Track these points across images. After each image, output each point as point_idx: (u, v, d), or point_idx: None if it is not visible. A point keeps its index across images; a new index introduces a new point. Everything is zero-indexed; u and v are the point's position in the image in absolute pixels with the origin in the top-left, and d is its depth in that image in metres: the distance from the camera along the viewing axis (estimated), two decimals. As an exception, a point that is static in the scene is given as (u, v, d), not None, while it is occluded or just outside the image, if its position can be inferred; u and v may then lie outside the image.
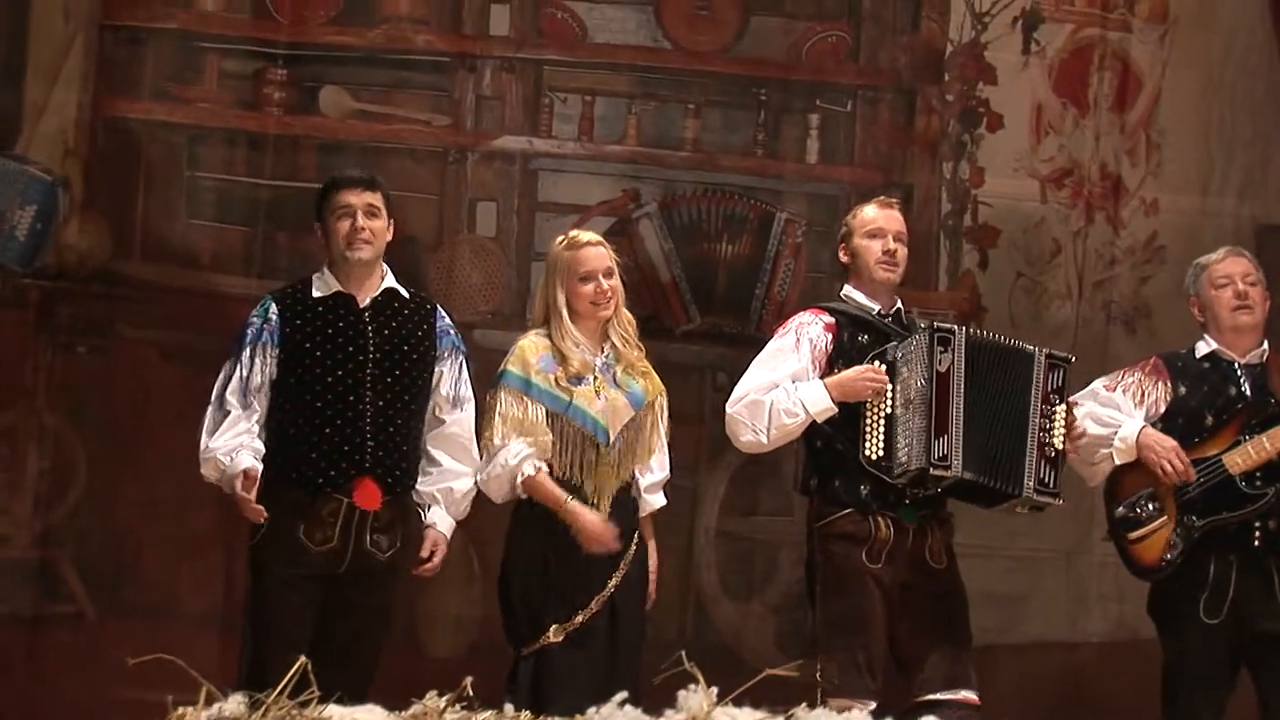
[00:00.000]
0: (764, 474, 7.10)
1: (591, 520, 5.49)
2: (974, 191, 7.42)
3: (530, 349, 5.61)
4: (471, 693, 3.89)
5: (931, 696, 5.42)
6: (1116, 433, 5.74)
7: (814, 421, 5.50)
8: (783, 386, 5.51)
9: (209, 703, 3.78)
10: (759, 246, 7.29)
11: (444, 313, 5.73)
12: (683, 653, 4.23)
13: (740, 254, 7.31)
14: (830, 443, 5.52)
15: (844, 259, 5.72)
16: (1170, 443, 5.68)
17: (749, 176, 7.36)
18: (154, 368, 6.95)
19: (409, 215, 6.56)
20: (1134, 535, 5.75)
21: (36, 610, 6.87)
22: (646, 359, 5.75)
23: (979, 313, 7.31)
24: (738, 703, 3.84)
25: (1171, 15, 7.50)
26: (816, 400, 5.48)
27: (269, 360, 5.52)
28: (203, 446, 5.48)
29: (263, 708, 3.74)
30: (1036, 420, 5.48)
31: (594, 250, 5.63)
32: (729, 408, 5.57)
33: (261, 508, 5.37)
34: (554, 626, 5.47)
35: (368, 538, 5.46)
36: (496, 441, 5.53)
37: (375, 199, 5.57)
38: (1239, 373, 5.76)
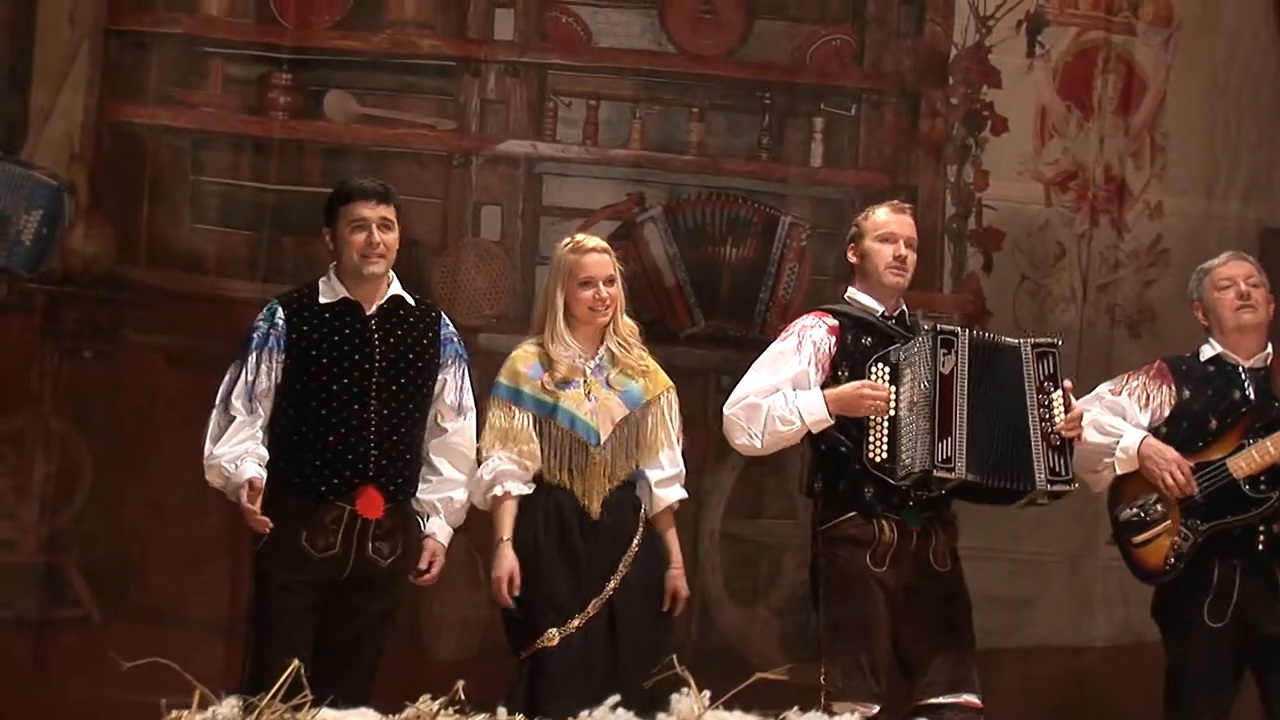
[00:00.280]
0: (769, 477, 7.11)
1: (499, 569, 5.52)
2: (978, 195, 7.42)
3: (521, 358, 5.66)
4: (464, 696, 3.89)
5: (934, 700, 5.43)
6: (1118, 443, 5.74)
7: (809, 431, 5.51)
8: (782, 392, 5.52)
9: (203, 706, 3.79)
10: (763, 250, 7.30)
11: (448, 320, 5.73)
12: (674, 656, 4.24)
13: (745, 257, 7.31)
14: (834, 445, 5.52)
15: (852, 259, 5.72)
16: (1172, 454, 5.68)
17: (753, 180, 7.36)
18: (160, 372, 6.97)
19: (414, 219, 6.57)
20: (1138, 539, 5.75)
21: (43, 614, 6.88)
22: (652, 360, 5.76)
23: (983, 315, 7.31)
24: (729, 706, 3.85)
25: (1176, 19, 7.50)
26: (813, 410, 5.49)
27: (275, 365, 5.52)
28: (207, 452, 5.48)
29: (256, 711, 3.74)
30: (1035, 411, 5.48)
31: (597, 257, 5.65)
32: (726, 409, 5.58)
33: (266, 519, 5.37)
34: (550, 630, 5.48)
35: (369, 545, 5.47)
36: (485, 452, 5.60)
37: (389, 212, 5.58)
38: (1243, 376, 5.76)
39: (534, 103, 7.28)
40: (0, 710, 6.52)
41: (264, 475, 5.40)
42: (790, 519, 6.95)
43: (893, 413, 5.46)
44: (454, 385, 5.63)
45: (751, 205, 7.34)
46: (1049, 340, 5.59)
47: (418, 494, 5.59)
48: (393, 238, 5.58)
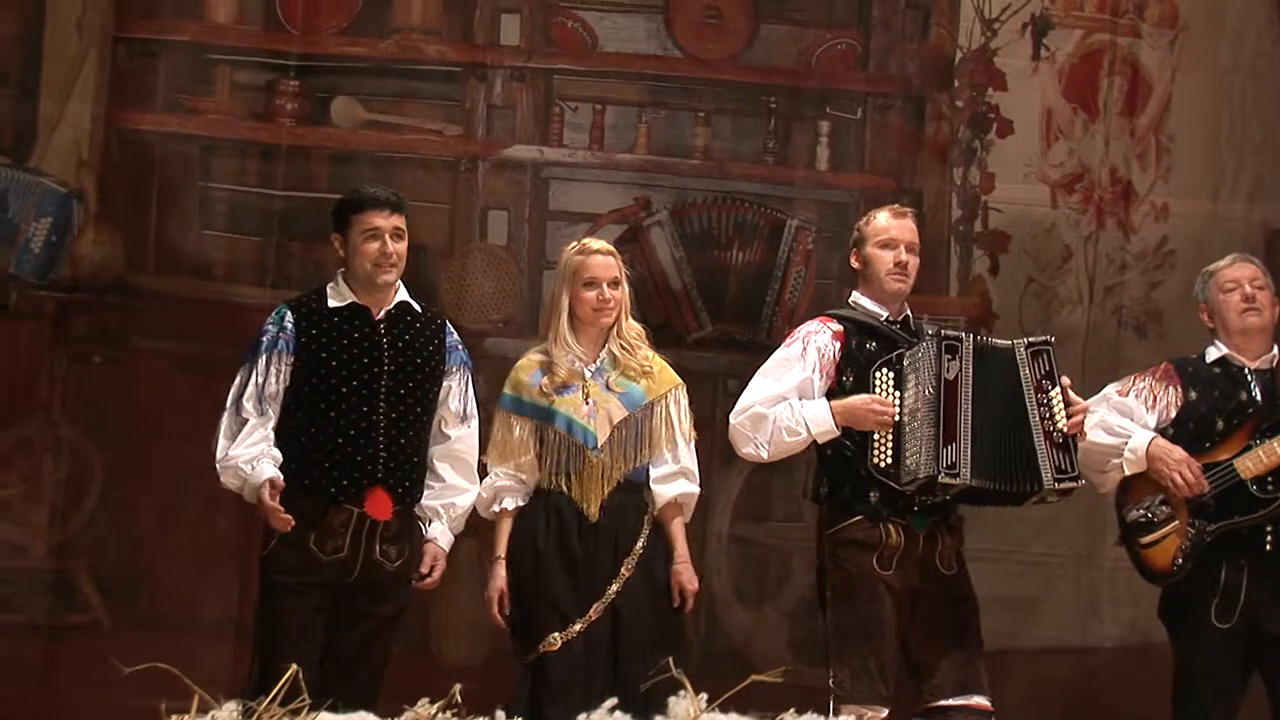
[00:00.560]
0: (776, 480, 7.12)
1: (490, 588, 5.59)
2: (984, 197, 7.43)
3: (523, 367, 5.69)
4: (460, 699, 3.90)
5: (943, 702, 5.42)
6: (1126, 443, 5.74)
7: (814, 441, 5.53)
8: (789, 402, 5.52)
9: (203, 711, 3.80)
10: (770, 253, 7.31)
11: (452, 329, 5.75)
12: (670, 659, 4.25)
13: (751, 261, 7.33)
14: (840, 450, 5.52)
15: (855, 265, 5.72)
16: (1180, 454, 5.69)
17: (760, 184, 7.38)
18: (169, 378, 6.99)
19: (421, 224, 6.58)
20: (1145, 540, 5.75)
21: (52, 620, 6.90)
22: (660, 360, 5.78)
23: (990, 318, 7.32)
24: (726, 708, 3.86)
25: (1181, 21, 7.51)
26: (820, 421, 5.49)
27: (284, 368, 5.53)
28: (221, 454, 5.49)
29: (254, 716, 3.75)
30: (1036, 411, 5.46)
31: (602, 259, 5.67)
32: (732, 418, 5.58)
33: (289, 517, 5.39)
34: (552, 635, 5.50)
35: (377, 547, 5.48)
36: (488, 465, 5.66)
37: (401, 221, 5.60)
38: (1249, 378, 5.77)
39: (540, 108, 7.30)
40: (10, 715, 6.54)
41: (281, 476, 5.42)
42: (797, 522, 6.95)
43: (897, 418, 5.46)
44: (458, 392, 5.65)
45: (758, 209, 7.36)
46: (1042, 339, 5.56)
47: (421, 500, 5.61)
48: (404, 247, 5.61)
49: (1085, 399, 5.73)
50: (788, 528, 7.14)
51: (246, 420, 5.48)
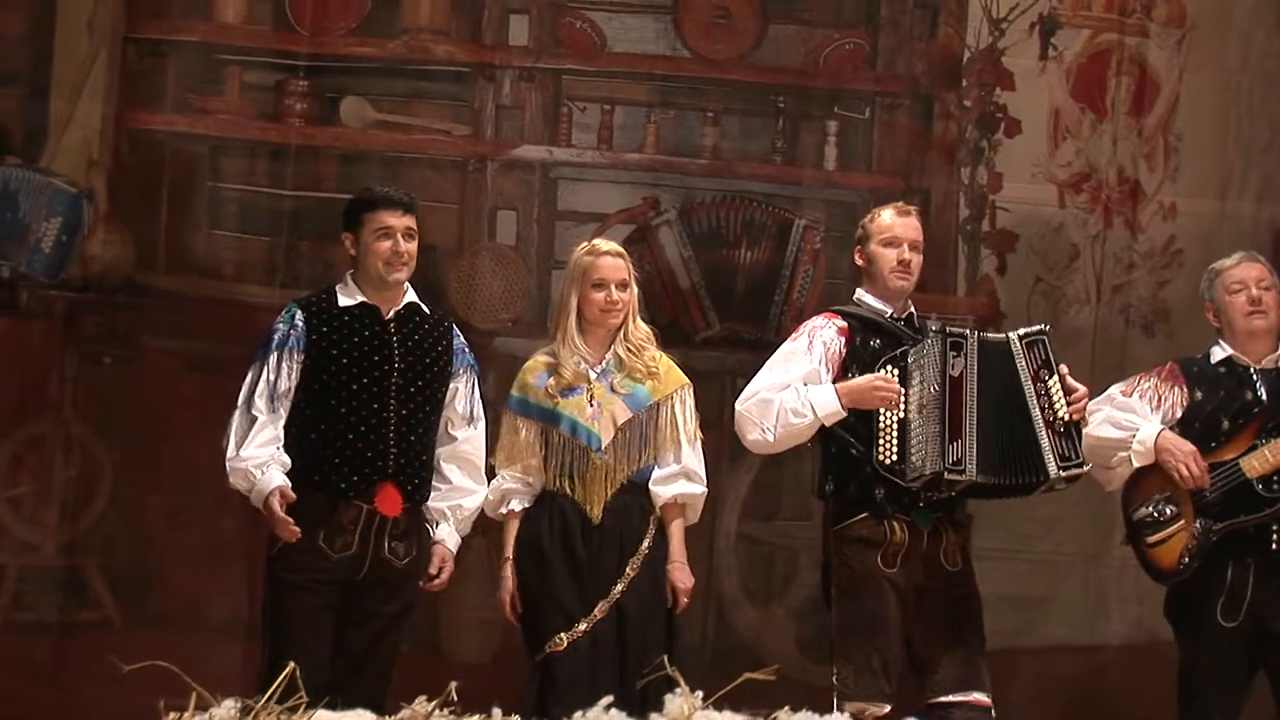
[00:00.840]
0: (785, 478, 7.13)
1: (501, 591, 5.63)
2: (992, 197, 7.44)
3: (530, 369, 5.72)
4: (457, 697, 3.92)
5: (944, 698, 5.44)
6: (1135, 435, 5.75)
7: (822, 425, 5.54)
8: (793, 387, 5.55)
9: (201, 708, 3.81)
10: (778, 253, 7.32)
11: (459, 332, 5.77)
12: (665, 658, 4.26)
13: (759, 260, 7.34)
14: (845, 447, 5.54)
15: (859, 262, 5.74)
16: (1189, 447, 5.69)
17: (768, 183, 7.39)
18: (178, 377, 7.00)
19: (430, 224, 6.59)
20: (1152, 539, 5.76)
21: (63, 617, 6.92)
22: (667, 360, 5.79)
23: (998, 318, 7.32)
24: (719, 705, 3.87)
25: (1189, 20, 7.51)
26: (825, 403, 5.51)
27: (295, 365, 5.55)
28: (230, 453, 5.51)
29: (252, 713, 3.77)
30: (1035, 401, 5.47)
31: (611, 260, 5.69)
32: (738, 405, 5.60)
33: (297, 528, 5.41)
34: (558, 635, 5.52)
35: (386, 544, 5.51)
36: (496, 467, 5.68)
37: (413, 222, 5.63)
38: (1255, 378, 5.77)
39: (549, 108, 7.31)
40: (21, 712, 6.56)
41: (289, 483, 5.44)
42: (805, 520, 6.95)
43: (902, 415, 5.48)
44: (465, 394, 5.67)
45: (766, 208, 7.37)
46: (1036, 328, 5.58)
47: (428, 501, 5.63)
48: (414, 247, 5.64)
49: (1091, 399, 5.75)
50: (796, 526, 7.14)
51: (255, 419, 5.50)
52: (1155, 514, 5.75)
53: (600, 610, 5.54)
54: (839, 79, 7.42)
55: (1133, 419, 5.78)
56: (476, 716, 3.85)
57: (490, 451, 5.71)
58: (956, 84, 7.44)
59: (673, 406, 5.71)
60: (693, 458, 5.71)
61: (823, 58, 7.42)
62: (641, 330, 5.74)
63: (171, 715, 3.78)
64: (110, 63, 7.09)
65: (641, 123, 7.37)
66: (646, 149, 7.35)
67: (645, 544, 5.63)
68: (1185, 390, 5.81)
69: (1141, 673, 6.83)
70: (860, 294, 5.71)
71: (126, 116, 7.10)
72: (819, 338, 5.60)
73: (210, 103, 7.19)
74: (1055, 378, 5.50)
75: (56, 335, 7.01)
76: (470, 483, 5.67)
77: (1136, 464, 5.75)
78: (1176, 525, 5.72)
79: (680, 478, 5.68)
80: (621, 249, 5.80)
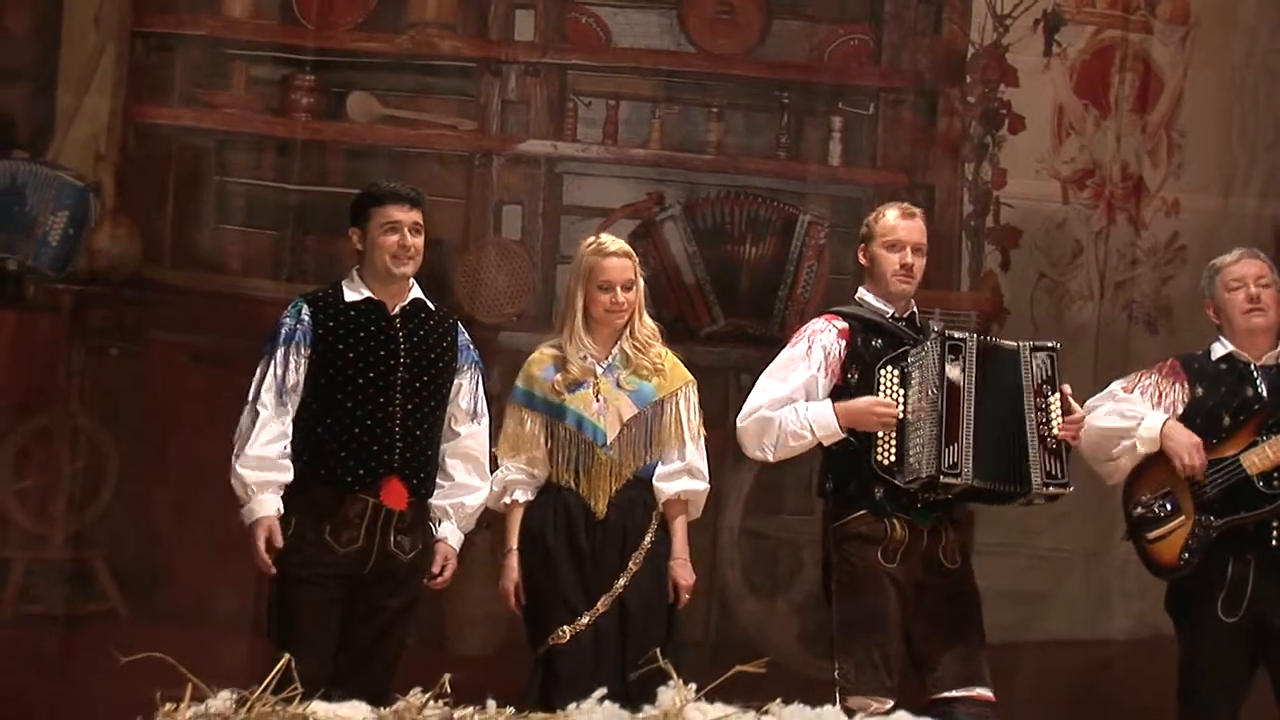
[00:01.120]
0: (788, 473, 7.14)
1: (505, 580, 5.65)
2: (996, 193, 7.45)
3: (536, 362, 5.74)
4: (450, 690, 3.93)
5: (945, 694, 5.46)
6: (1141, 423, 5.75)
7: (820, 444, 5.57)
8: (794, 405, 5.56)
9: (197, 699, 3.83)
10: (782, 248, 7.34)
11: (463, 328, 5.79)
12: (658, 650, 4.27)
13: (763, 256, 7.35)
14: (845, 446, 5.56)
15: (862, 261, 5.75)
16: (1194, 438, 5.70)
17: (772, 179, 7.40)
18: (184, 371, 7.02)
19: (436, 219, 6.58)
20: (1152, 535, 5.77)
21: (70, 609, 6.94)
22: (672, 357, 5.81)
23: (1001, 314, 7.33)
24: (710, 698, 3.88)
25: (1193, 17, 7.52)
26: (824, 425, 5.53)
27: (302, 360, 5.56)
28: (235, 452, 5.52)
29: (248, 705, 3.78)
30: (1033, 415, 5.48)
31: (617, 261, 5.70)
32: (739, 421, 5.62)
33: (270, 562, 5.45)
34: (561, 628, 5.55)
35: (392, 538, 5.53)
36: (499, 458, 5.70)
37: (419, 217, 5.64)
38: (1255, 374, 5.78)
39: (554, 103, 7.32)
40: (28, 704, 6.58)
41: (280, 512, 5.46)
42: (808, 515, 6.94)
43: (901, 416, 5.49)
44: (469, 390, 5.69)
45: (770, 204, 7.38)
46: (1049, 344, 5.58)
47: (432, 498, 5.66)
48: (421, 242, 5.65)
49: (1094, 394, 5.77)
50: (799, 521, 7.16)
51: (259, 414, 5.50)
52: (1155, 510, 5.76)
53: (603, 604, 5.57)
54: (843, 74, 7.43)
55: (1137, 409, 5.79)
56: (471, 708, 3.85)
57: (493, 442, 5.73)
58: (961, 80, 7.45)
59: (677, 403, 5.73)
60: (696, 455, 5.73)
61: (827, 53, 7.44)
62: (648, 327, 5.76)
63: (167, 706, 3.79)
64: (117, 57, 7.11)
65: (646, 118, 7.38)
66: (651, 144, 7.36)
67: (648, 539, 5.65)
68: (1186, 386, 5.82)
69: (1144, 668, 6.84)
70: (862, 293, 5.71)
71: (133, 110, 7.12)
72: (818, 342, 5.60)
73: (217, 97, 7.20)
74: (1057, 395, 5.51)
75: (63, 328, 7.02)
76: (473, 480, 5.68)
77: (1141, 450, 5.74)
78: (1177, 521, 5.74)
79: (684, 474, 5.71)
80: (628, 248, 5.80)
